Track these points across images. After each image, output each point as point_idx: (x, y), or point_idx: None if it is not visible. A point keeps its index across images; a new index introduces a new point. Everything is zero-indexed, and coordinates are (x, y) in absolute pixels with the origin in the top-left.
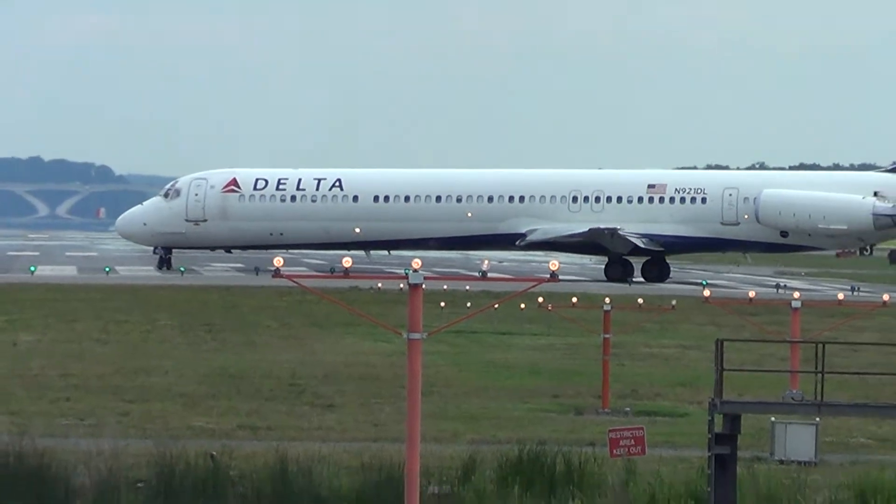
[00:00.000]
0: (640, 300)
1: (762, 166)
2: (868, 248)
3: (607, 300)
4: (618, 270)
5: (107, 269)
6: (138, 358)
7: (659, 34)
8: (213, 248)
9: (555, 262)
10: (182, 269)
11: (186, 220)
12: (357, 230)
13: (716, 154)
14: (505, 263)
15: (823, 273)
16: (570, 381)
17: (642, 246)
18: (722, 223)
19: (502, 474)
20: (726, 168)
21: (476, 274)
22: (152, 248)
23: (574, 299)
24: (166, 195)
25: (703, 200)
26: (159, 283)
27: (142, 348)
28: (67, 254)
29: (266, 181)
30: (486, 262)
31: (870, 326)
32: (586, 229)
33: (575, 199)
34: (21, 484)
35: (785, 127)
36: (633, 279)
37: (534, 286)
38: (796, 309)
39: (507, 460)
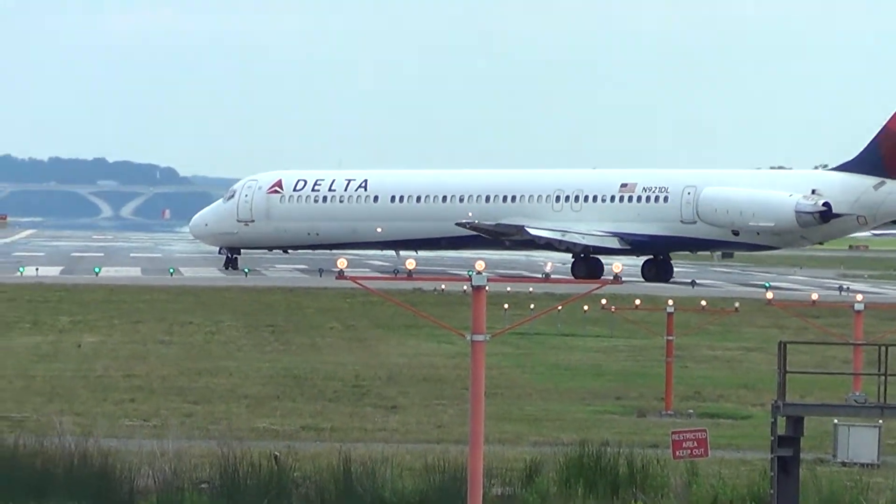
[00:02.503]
0: (704, 302)
1: (825, 167)
2: None
3: (670, 302)
4: (582, 269)
5: (171, 271)
6: (202, 359)
7: (734, 33)
8: (269, 249)
9: (618, 264)
10: (246, 269)
11: (238, 221)
12: (379, 230)
13: (783, 156)
14: (568, 265)
15: (886, 275)
16: (633, 383)
17: (577, 244)
18: (682, 221)
19: (565, 476)
20: (790, 169)
21: (539, 275)
22: (217, 249)
23: (637, 301)
24: (227, 197)
25: (665, 199)
26: (223, 285)
27: (206, 349)
28: (132, 255)
29: (305, 182)
30: (550, 263)
31: None
32: (493, 224)
33: (558, 198)
34: (85, 484)
35: (849, 128)
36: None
37: (597, 288)
38: (859, 311)
39: (569, 462)
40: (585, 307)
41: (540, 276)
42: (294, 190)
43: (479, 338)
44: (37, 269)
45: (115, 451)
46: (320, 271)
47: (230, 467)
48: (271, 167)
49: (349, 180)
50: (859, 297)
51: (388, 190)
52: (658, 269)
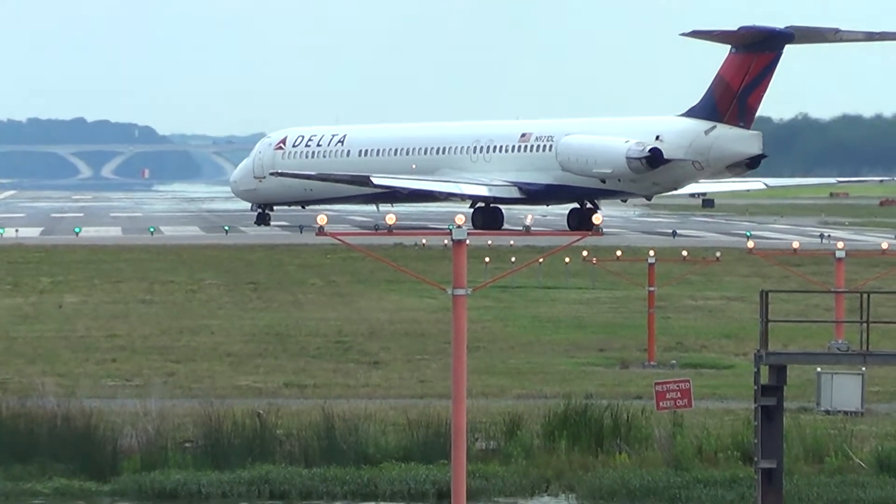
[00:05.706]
0: (685, 252)
1: (805, 117)
2: None
3: (651, 253)
4: (478, 219)
5: (151, 230)
6: (184, 318)
7: None
8: (289, 204)
9: (598, 215)
10: (226, 227)
11: (254, 177)
12: None
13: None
14: (549, 217)
15: (868, 222)
16: (616, 335)
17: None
18: (562, 170)
19: (549, 428)
20: (768, 119)
21: (520, 228)
22: (250, 206)
23: (618, 253)
24: (251, 154)
25: (550, 148)
26: (204, 243)
27: (187, 308)
28: (112, 215)
29: (302, 137)
30: (530, 216)
31: None
32: (315, 172)
33: (475, 149)
34: (69, 445)
35: (830, 76)
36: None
37: (578, 240)
38: (840, 259)
39: (553, 414)
40: (567, 259)
41: (520, 228)
42: (293, 146)
43: (461, 292)
44: (16, 231)
45: (98, 411)
46: (300, 228)
47: (213, 426)
48: (253, 125)
49: (333, 135)
50: (840, 244)
51: (358, 144)
52: (582, 219)
